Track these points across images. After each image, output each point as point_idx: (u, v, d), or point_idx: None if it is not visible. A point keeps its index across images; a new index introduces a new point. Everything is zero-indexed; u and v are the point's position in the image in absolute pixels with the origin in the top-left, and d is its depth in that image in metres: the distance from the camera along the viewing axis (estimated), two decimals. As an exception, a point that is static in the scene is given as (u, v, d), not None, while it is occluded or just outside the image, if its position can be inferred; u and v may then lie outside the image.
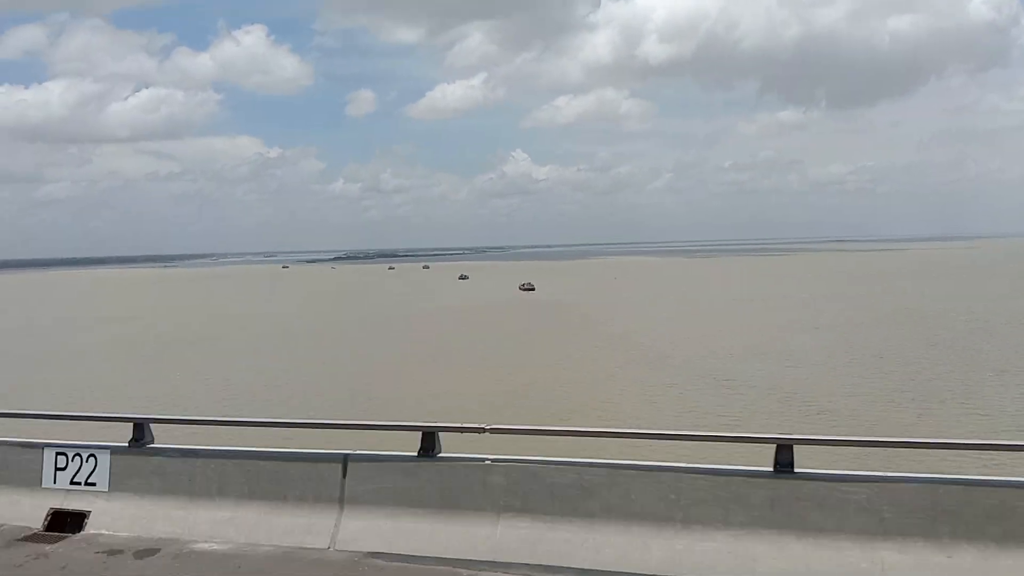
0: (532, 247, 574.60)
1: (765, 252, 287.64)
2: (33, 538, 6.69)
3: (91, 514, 6.78)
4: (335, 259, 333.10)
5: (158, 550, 6.35)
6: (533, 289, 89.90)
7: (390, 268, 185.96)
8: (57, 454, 7.03)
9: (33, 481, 7.03)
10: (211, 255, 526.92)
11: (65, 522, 6.80)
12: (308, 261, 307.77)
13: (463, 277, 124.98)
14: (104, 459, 6.90)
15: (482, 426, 6.29)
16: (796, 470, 5.62)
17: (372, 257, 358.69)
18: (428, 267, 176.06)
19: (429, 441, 6.37)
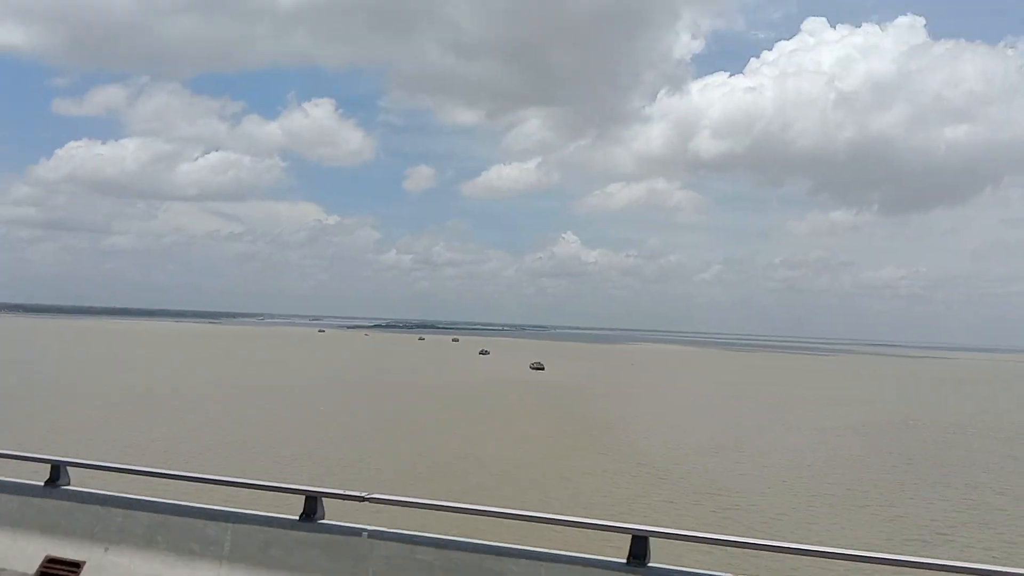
0: (574, 328, 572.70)
1: (807, 351, 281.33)
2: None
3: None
4: (375, 326, 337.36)
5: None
6: (542, 369, 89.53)
7: (420, 339, 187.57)
8: None
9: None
10: (260, 315, 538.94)
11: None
12: (349, 327, 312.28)
13: (484, 352, 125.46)
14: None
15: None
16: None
17: (414, 327, 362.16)
18: (457, 340, 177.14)
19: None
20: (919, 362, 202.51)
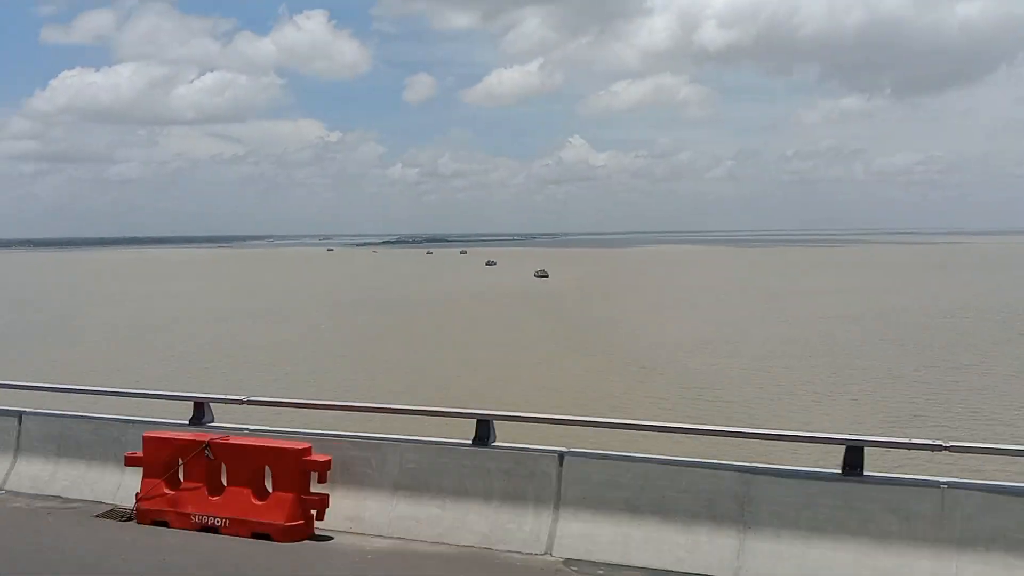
0: (586, 234, 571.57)
1: (822, 243, 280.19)
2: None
3: None
4: (384, 243, 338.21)
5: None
6: (547, 276, 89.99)
7: (428, 253, 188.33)
8: None
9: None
10: (270, 236, 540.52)
11: None
12: (358, 244, 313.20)
13: (490, 263, 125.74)
14: None
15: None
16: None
17: (424, 241, 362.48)
18: (465, 252, 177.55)
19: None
20: (930, 248, 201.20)
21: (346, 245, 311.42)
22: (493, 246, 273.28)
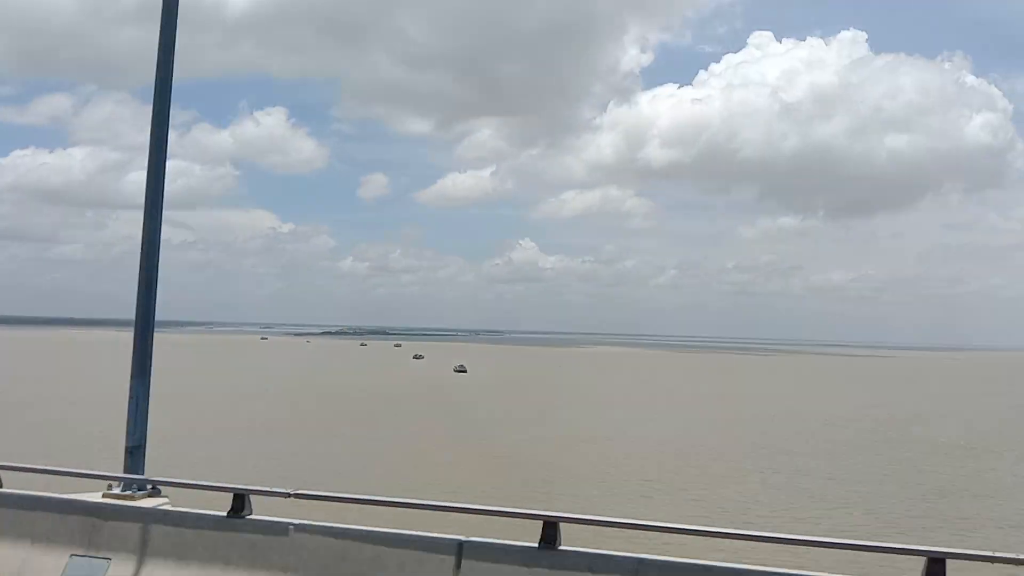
0: (531, 333, 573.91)
1: (754, 351, 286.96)
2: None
3: None
4: (324, 333, 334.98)
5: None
6: (465, 371, 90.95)
7: (362, 344, 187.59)
8: None
9: None
10: (210, 323, 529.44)
11: None
12: (297, 334, 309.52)
13: (417, 357, 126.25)
14: None
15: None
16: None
17: (367, 333, 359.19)
18: (400, 345, 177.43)
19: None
20: (852, 361, 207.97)
21: (286, 334, 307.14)
22: (436, 340, 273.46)
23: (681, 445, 38.36)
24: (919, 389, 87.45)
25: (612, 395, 67.94)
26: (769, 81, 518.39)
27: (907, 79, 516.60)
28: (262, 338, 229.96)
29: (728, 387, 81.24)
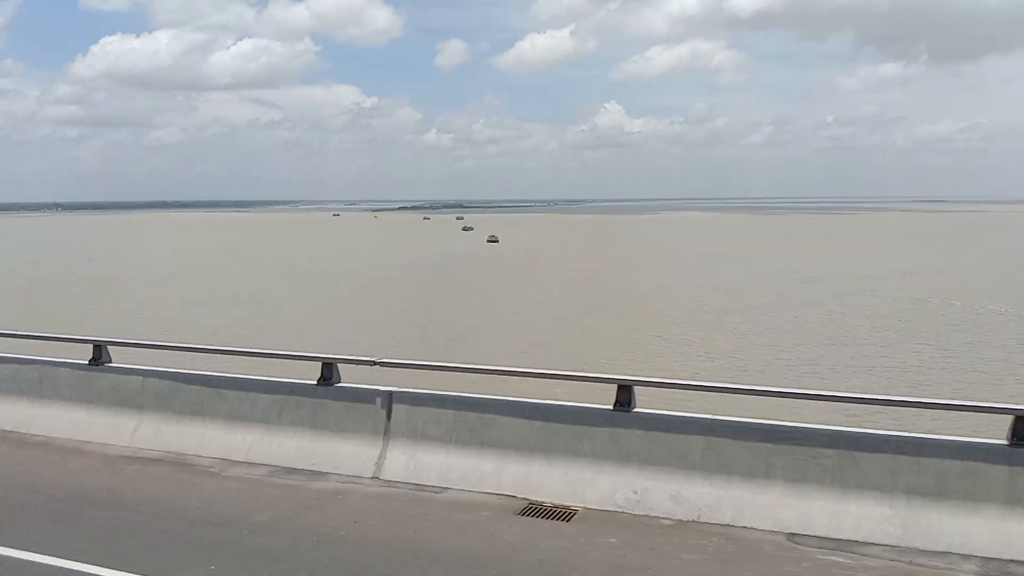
0: (612, 201, 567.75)
1: (850, 211, 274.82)
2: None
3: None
4: (401, 208, 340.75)
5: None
6: (497, 241, 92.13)
7: (425, 219, 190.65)
8: None
9: None
10: (296, 201, 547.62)
11: None
12: (374, 210, 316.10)
13: (467, 229, 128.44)
14: None
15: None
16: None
17: (450, 207, 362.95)
18: (462, 218, 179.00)
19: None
20: (944, 217, 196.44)
21: (360, 210, 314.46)
22: (509, 212, 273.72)
23: (681, 304, 37.77)
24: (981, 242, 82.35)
25: (641, 260, 66.98)
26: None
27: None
28: (334, 215, 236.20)
29: (787, 246, 79.36)
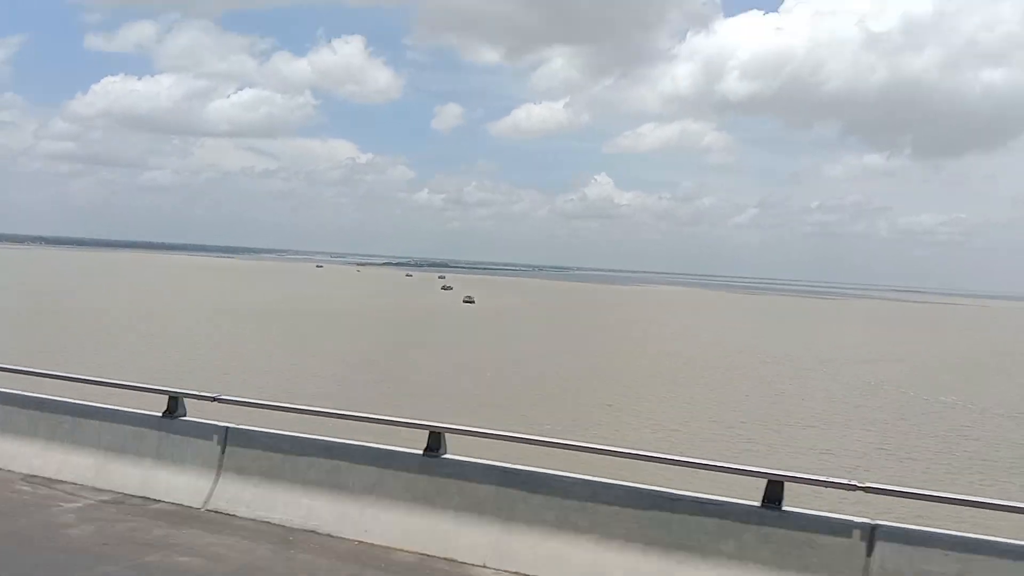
0: (599, 270, 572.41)
1: (829, 295, 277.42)
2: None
3: None
4: (386, 264, 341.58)
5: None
6: (472, 302, 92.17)
7: (407, 275, 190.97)
8: None
9: None
10: (284, 251, 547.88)
11: None
12: (360, 263, 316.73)
13: (447, 288, 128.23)
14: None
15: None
16: None
17: (436, 266, 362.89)
18: (443, 277, 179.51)
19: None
20: (920, 307, 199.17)
21: (351, 263, 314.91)
22: (495, 274, 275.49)
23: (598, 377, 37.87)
24: (960, 338, 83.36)
25: (604, 330, 67.32)
26: (858, 8, 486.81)
27: (1006, 8, 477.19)
28: (317, 266, 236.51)
29: (750, 327, 79.68)
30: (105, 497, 6.47)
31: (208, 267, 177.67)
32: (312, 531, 5.88)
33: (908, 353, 60.69)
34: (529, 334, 58.19)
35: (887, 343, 69.68)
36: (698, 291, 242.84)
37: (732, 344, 58.89)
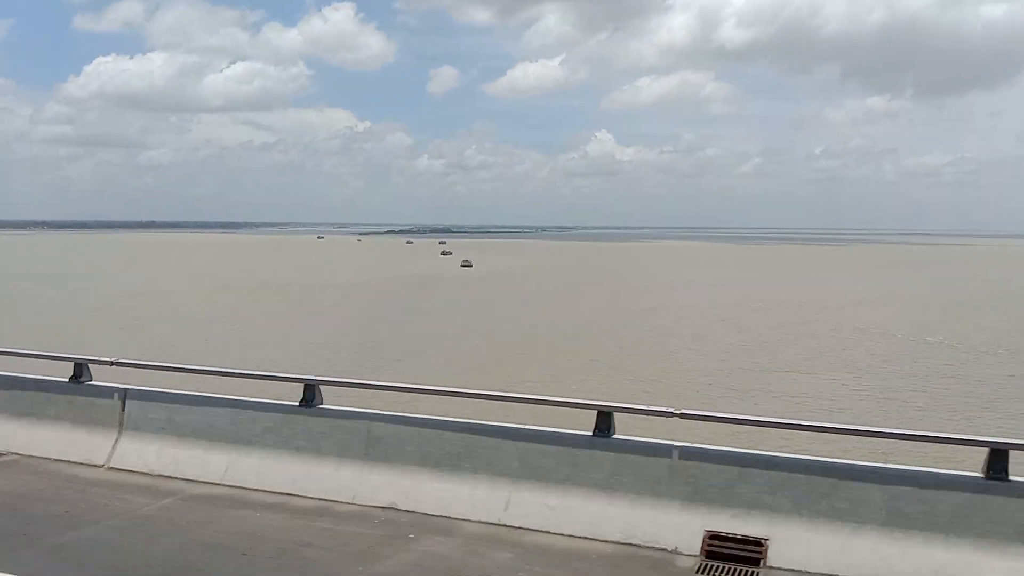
0: (603, 228, 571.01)
1: (835, 242, 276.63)
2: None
3: None
4: (388, 232, 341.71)
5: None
6: (470, 266, 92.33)
7: (408, 243, 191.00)
8: None
9: None
10: (286, 224, 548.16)
11: None
12: (363, 233, 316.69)
13: (446, 253, 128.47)
14: None
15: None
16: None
17: (439, 232, 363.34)
18: (444, 243, 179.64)
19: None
20: (926, 249, 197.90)
21: (352, 233, 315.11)
22: (496, 238, 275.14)
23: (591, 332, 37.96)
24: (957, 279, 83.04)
25: (603, 288, 67.30)
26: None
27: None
28: (318, 237, 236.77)
29: (750, 277, 79.66)
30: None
31: (209, 244, 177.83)
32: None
33: (906, 297, 60.56)
34: (520, 294, 58.33)
35: (885, 288, 69.46)
36: (703, 244, 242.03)
37: (731, 295, 58.90)
